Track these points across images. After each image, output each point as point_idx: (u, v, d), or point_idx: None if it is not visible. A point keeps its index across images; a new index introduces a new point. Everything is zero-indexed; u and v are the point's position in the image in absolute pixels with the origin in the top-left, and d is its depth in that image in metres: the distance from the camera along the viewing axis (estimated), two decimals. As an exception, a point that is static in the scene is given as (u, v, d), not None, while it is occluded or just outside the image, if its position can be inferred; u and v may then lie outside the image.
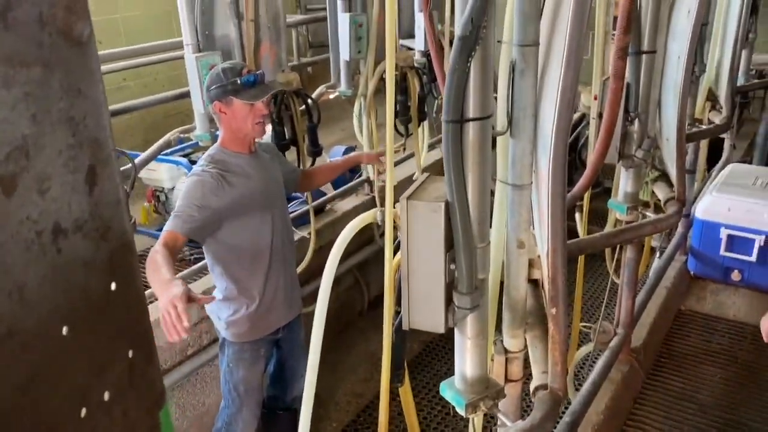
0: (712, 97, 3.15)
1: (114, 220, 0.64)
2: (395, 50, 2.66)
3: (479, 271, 1.27)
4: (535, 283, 1.58)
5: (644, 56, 2.09)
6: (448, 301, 1.27)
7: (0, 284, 0.51)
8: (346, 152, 4.53)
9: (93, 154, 0.59)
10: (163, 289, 1.76)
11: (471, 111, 1.17)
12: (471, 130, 1.19)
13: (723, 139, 3.98)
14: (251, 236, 2.25)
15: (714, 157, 4.03)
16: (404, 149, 4.46)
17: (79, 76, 0.55)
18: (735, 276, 3.22)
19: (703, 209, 3.23)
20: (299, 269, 3.43)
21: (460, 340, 1.36)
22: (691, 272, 3.37)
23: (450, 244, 1.23)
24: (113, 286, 0.65)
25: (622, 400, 2.55)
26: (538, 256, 1.52)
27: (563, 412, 2.36)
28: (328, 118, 5.35)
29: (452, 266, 1.25)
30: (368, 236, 4.01)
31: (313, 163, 3.47)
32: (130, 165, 2.65)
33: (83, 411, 0.62)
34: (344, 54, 3.54)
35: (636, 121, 2.14)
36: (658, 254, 3.36)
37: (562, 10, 1.20)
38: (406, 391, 1.79)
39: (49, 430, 0.57)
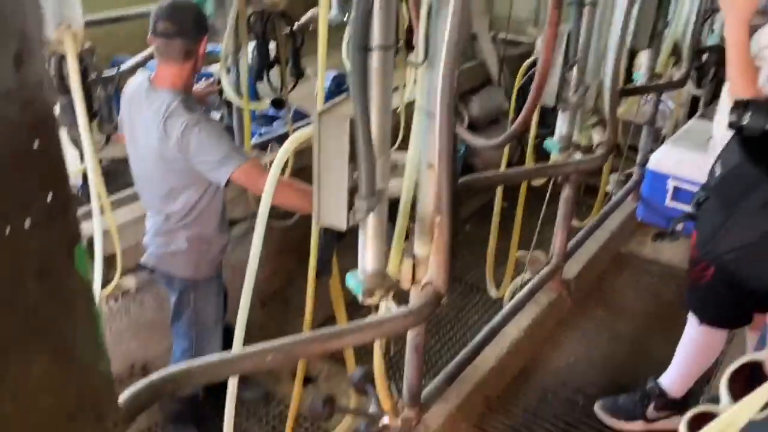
0: (676, 53, 3.29)
1: (37, 95, 0.87)
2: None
3: (378, 181, 1.50)
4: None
5: (586, 8, 2.25)
6: (350, 204, 1.51)
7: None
8: (334, 79, 4.70)
9: (16, 43, 0.82)
10: None
11: (375, 40, 1.37)
12: (375, 57, 1.39)
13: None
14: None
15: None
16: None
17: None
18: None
19: (655, 160, 3.42)
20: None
21: (362, 239, 1.61)
22: (638, 218, 3.60)
23: (354, 155, 1.46)
24: (36, 144, 0.88)
25: (544, 322, 2.83)
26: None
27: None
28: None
29: (355, 174, 1.48)
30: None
31: (294, 86, 3.65)
32: (115, 71, 2.86)
33: (7, 229, 0.86)
34: (340, -21, 3.65)
35: (574, 68, 2.31)
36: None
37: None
38: (335, 282, 2.06)
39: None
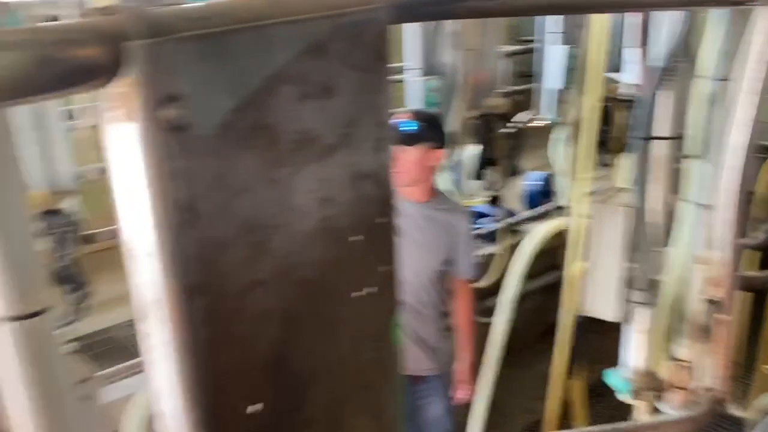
0: None
1: (386, 175, 0.97)
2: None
3: (654, 272, 1.44)
4: (714, 303, 1.68)
5: None
6: (623, 295, 1.46)
7: (332, 198, 0.85)
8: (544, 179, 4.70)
9: (378, 132, 0.93)
10: None
11: (660, 132, 1.37)
12: (658, 147, 1.38)
13: None
14: None
15: None
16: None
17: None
18: None
19: None
20: (483, 284, 3.64)
21: (631, 333, 1.53)
22: None
23: (628, 245, 1.43)
24: (379, 219, 0.98)
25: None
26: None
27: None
28: (528, 145, 5.53)
29: (629, 265, 1.44)
30: (555, 261, 4.11)
31: (509, 184, 3.71)
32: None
33: (357, 294, 0.94)
34: (555, 83, 3.76)
35: None
36: None
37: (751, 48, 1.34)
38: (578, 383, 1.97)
39: (342, 294, 0.90)
